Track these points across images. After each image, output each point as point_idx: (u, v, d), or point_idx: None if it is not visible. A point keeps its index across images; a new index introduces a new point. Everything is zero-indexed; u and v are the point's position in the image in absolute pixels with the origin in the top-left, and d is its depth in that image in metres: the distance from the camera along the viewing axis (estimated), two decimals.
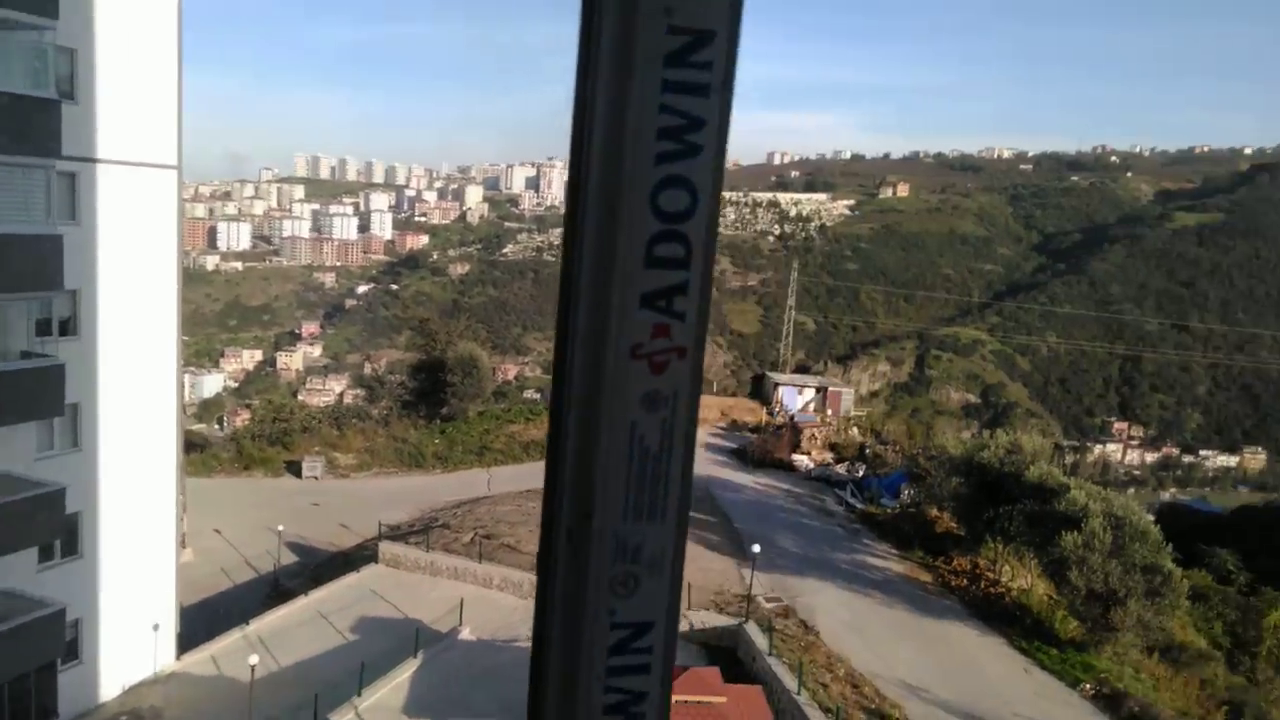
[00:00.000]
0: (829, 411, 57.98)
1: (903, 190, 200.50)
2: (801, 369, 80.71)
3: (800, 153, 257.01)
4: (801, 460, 44.88)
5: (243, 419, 78.62)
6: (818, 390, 61.71)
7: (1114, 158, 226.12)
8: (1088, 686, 21.67)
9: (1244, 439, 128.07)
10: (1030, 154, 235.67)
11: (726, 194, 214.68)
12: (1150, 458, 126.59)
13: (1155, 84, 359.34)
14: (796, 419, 52.79)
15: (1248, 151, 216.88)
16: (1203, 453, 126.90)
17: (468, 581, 28.01)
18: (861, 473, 41.92)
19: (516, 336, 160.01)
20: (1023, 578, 28.37)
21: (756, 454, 45.54)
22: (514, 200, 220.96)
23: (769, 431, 50.97)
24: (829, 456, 45.97)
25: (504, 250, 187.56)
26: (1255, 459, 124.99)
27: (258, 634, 25.25)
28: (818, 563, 29.60)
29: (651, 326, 0.76)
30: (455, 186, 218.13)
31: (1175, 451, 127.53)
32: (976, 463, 30.67)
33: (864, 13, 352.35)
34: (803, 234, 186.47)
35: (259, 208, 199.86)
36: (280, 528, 32.79)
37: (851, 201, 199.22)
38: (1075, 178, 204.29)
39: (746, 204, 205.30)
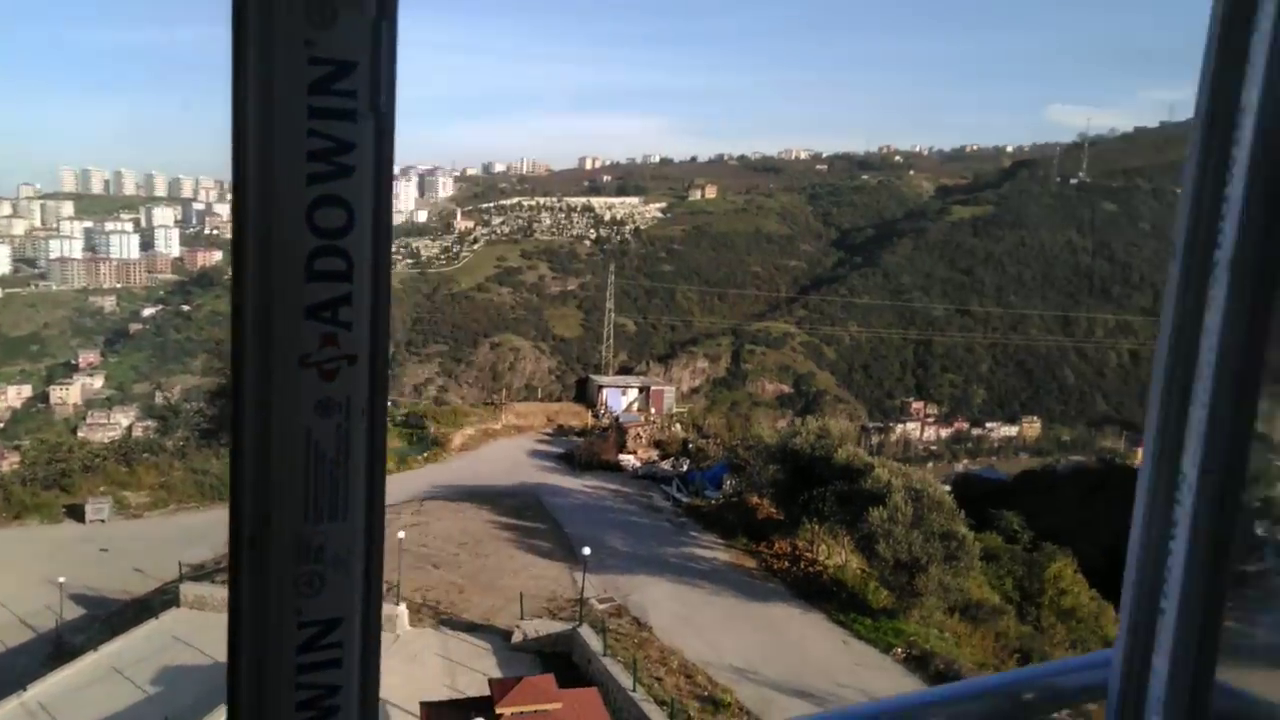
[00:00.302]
0: (652, 410, 59.13)
1: (710, 192, 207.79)
2: (624, 370, 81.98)
3: (611, 157, 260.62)
4: (628, 460, 45.39)
5: (11, 462, 70.29)
6: (641, 390, 62.83)
7: (898, 157, 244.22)
8: (899, 650, 23.15)
9: (1022, 410, 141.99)
10: (824, 155, 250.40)
11: (541, 200, 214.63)
12: (944, 433, 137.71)
13: (929, 88, 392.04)
14: (621, 420, 53.43)
15: (1009, 149, 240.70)
16: (988, 425, 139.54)
17: None
18: (685, 467, 42.91)
19: None
20: (837, 554, 29.94)
21: (583, 457, 45.67)
22: None
23: (595, 434, 51.29)
24: (654, 454, 46.77)
25: None
26: (1032, 427, 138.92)
27: (38, 700, 22.60)
28: (648, 559, 29.98)
29: (319, 336, 0.78)
30: None
31: (965, 425, 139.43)
32: (790, 449, 32.10)
33: (659, 17, 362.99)
34: (618, 237, 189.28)
35: (19, 227, 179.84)
36: (61, 579, 29.54)
37: (663, 204, 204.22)
38: (865, 176, 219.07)
39: (561, 209, 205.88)
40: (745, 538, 32.17)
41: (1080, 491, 46.79)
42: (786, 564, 29.67)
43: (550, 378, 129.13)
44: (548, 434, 55.73)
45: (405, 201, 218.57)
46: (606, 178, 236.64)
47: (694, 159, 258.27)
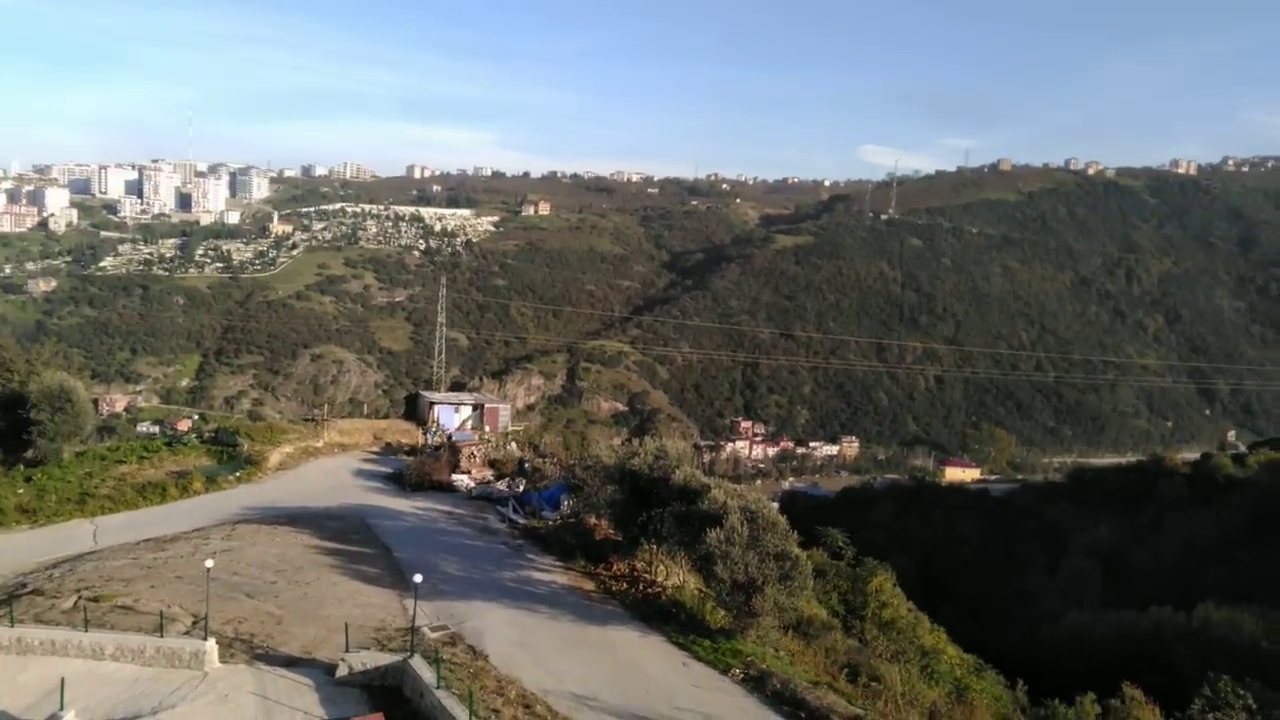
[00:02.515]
0: (487, 428, 57.84)
1: (544, 209, 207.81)
2: (457, 386, 79.85)
3: (440, 167, 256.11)
4: (462, 480, 44.06)
5: None
6: (474, 407, 61.31)
7: (725, 185, 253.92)
8: (737, 671, 23.34)
9: (841, 430, 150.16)
10: (656, 178, 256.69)
11: (367, 206, 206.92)
12: (771, 451, 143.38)
13: (753, 118, 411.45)
14: (454, 438, 51.92)
15: (827, 184, 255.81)
16: (812, 444, 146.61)
17: (71, 655, 23.35)
18: (522, 488, 42.09)
19: (124, 362, 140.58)
20: (676, 576, 30.06)
21: (414, 477, 43.92)
22: (111, 206, 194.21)
23: (426, 453, 49.55)
24: (489, 474, 45.64)
25: (102, 264, 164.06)
26: (851, 447, 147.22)
27: None
28: (483, 584, 28.98)
29: None
30: (31, 188, 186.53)
31: (791, 445, 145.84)
32: (628, 470, 31.98)
33: (496, 31, 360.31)
34: (449, 249, 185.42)
35: None
36: None
37: (496, 218, 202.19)
38: (695, 202, 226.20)
39: (389, 217, 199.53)
40: (583, 559, 31.80)
41: (896, 507, 49.71)
42: (625, 585, 29.48)
43: (377, 392, 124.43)
44: (375, 452, 53.32)
45: (215, 201, 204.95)
46: (436, 188, 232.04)
47: (526, 174, 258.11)
